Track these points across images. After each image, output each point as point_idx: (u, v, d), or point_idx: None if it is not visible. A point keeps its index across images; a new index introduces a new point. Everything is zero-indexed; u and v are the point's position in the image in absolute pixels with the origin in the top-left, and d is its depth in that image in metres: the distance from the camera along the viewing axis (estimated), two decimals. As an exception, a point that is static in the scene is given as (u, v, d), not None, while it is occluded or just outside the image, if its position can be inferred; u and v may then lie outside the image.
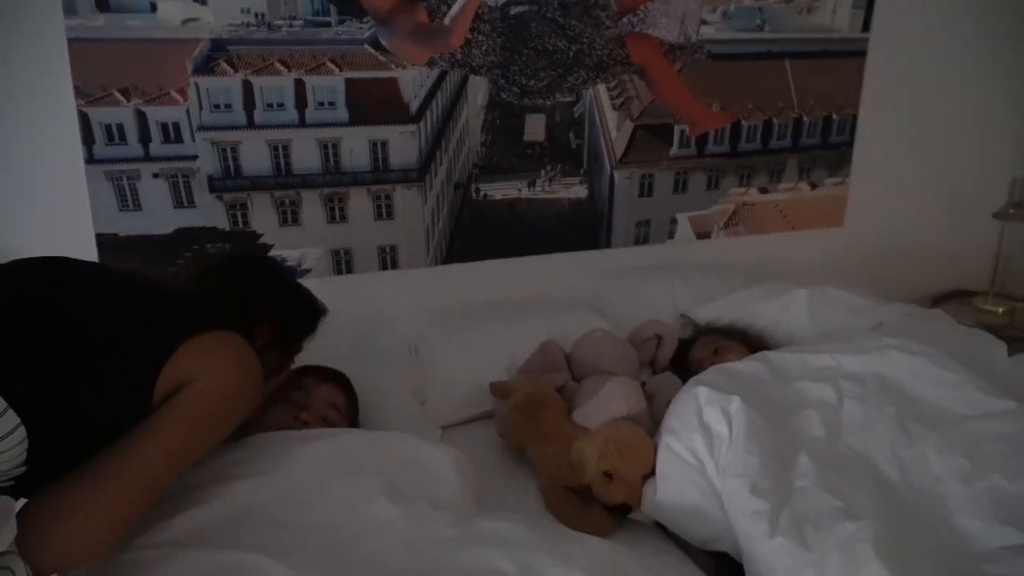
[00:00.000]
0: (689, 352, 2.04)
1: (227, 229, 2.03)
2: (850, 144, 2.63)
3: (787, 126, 2.52)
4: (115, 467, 1.05)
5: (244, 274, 1.47)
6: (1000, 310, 2.69)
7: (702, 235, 2.53)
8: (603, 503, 1.56)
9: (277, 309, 1.45)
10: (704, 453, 1.46)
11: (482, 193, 2.25)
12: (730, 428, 1.45)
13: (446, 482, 1.45)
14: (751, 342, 2.06)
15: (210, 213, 2.00)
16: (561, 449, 1.64)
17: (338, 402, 1.70)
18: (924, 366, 1.61)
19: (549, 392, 1.81)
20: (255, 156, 2.00)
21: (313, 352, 1.82)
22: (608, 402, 1.68)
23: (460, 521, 1.27)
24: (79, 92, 1.84)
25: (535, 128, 2.25)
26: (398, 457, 1.44)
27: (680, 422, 1.53)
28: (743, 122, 2.46)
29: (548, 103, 2.24)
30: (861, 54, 2.54)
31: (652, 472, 1.54)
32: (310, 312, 1.56)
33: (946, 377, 1.58)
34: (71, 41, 1.80)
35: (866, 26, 2.52)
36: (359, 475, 1.34)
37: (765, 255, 2.61)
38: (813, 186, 2.62)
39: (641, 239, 2.45)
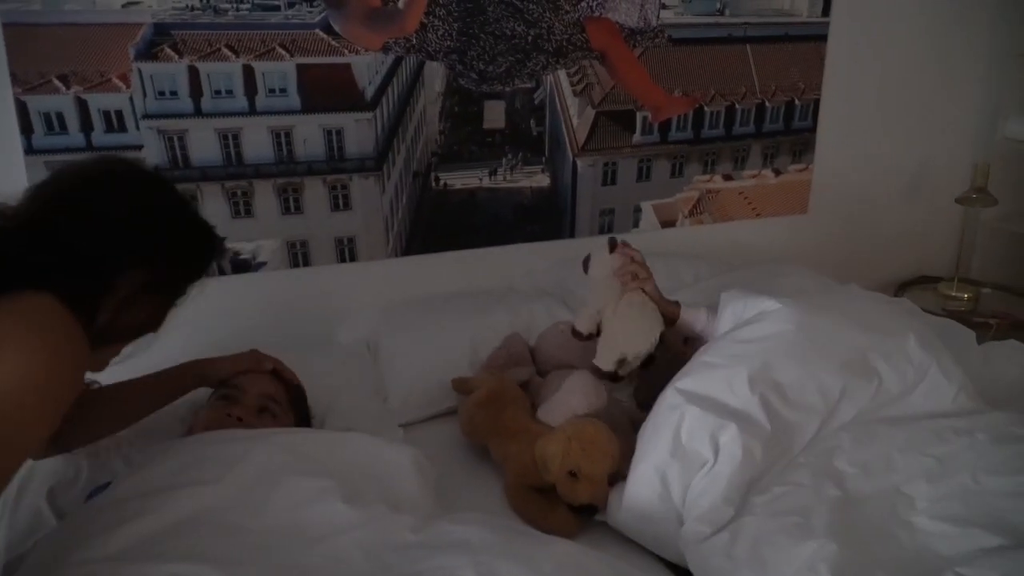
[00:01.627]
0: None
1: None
2: (812, 130, 2.61)
3: (750, 112, 2.50)
4: None
5: (96, 189, 1.09)
6: (965, 296, 2.70)
7: (667, 223, 2.50)
8: (568, 503, 1.51)
9: (147, 241, 1.09)
10: (675, 477, 1.38)
11: (442, 182, 2.19)
12: (715, 457, 1.37)
13: (405, 483, 1.38)
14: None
15: (157, 205, 1.92)
16: (524, 447, 1.58)
17: (276, 393, 1.59)
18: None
19: (512, 388, 1.76)
20: (204, 145, 1.92)
21: (265, 347, 1.75)
22: (568, 398, 1.63)
23: (421, 525, 1.21)
24: (15, 79, 1.75)
25: (495, 115, 2.20)
26: (353, 457, 1.38)
27: (657, 438, 1.43)
28: (705, 108, 2.43)
29: (507, 89, 2.19)
30: (822, 38, 2.53)
31: (617, 471, 1.50)
32: (199, 242, 1.20)
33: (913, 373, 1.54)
34: (5, 25, 1.71)
35: (826, 10, 2.51)
36: (312, 476, 1.26)
37: (730, 243, 2.58)
38: (777, 172, 2.60)
39: (605, 228, 2.41)
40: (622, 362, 1.63)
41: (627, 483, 1.44)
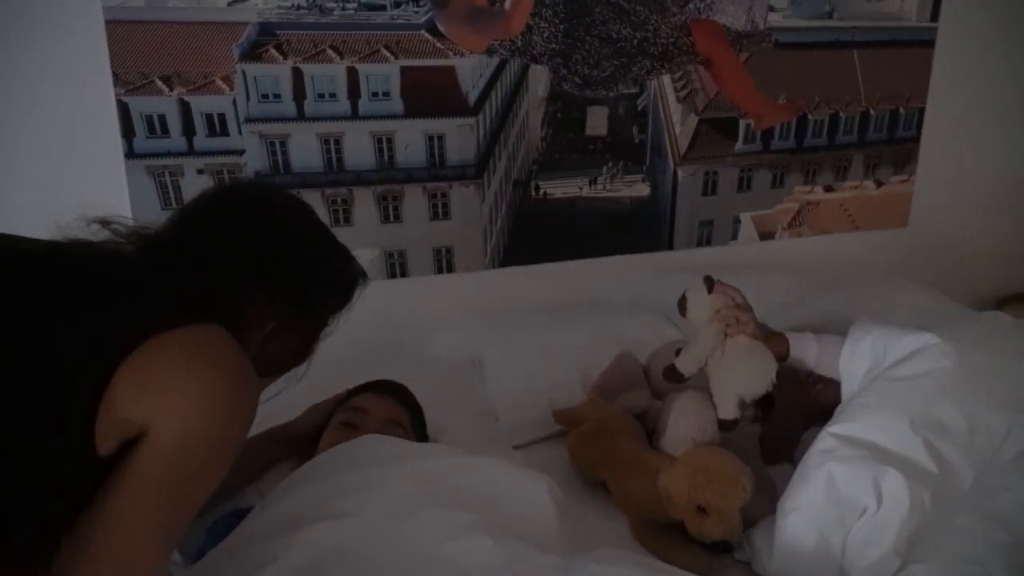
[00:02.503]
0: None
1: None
2: (916, 139, 2.50)
3: (854, 120, 2.39)
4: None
5: (234, 217, 1.00)
6: (1070, 313, 2.56)
7: (765, 236, 2.39)
8: (699, 541, 1.42)
9: (293, 271, 1.01)
10: (833, 525, 1.30)
11: (542, 191, 2.10)
12: (878, 504, 1.28)
13: (541, 515, 1.29)
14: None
15: (257, 212, 1.84)
16: (645, 480, 1.48)
17: (400, 418, 1.53)
18: None
19: (620, 417, 1.66)
20: (305, 151, 1.84)
21: (364, 365, 1.67)
22: (679, 420, 1.54)
23: (565, 564, 1.12)
24: (117, 80, 1.68)
25: (597, 121, 2.11)
26: (490, 485, 1.29)
27: (808, 484, 1.34)
28: (809, 116, 2.32)
29: (611, 95, 2.09)
30: (929, 43, 2.41)
31: (750, 502, 1.40)
32: (340, 273, 1.11)
33: None
34: (109, 23, 1.64)
35: (935, 15, 2.39)
36: (452, 508, 1.18)
37: (828, 257, 2.47)
38: (879, 184, 2.49)
39: (704, 240, 2.31)
40: (742, 406, 1.53)
41: (777, 530, 1.35)
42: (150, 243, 0.94)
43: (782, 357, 1.59)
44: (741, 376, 1.53)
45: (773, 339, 1.59)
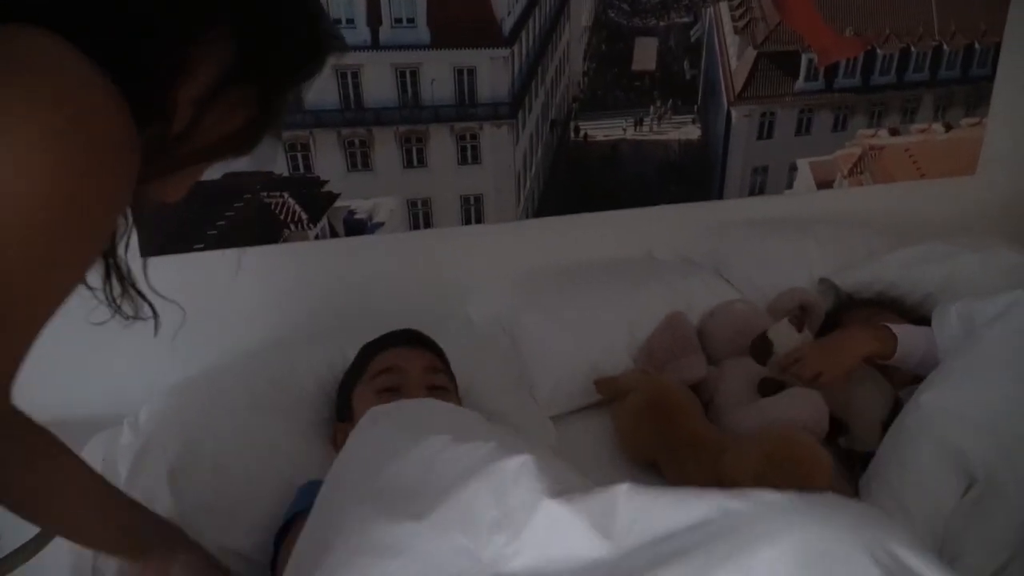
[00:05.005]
0: (836, 325, 1.71)
1: (285, 174, 1.67)
2: (991, 78, 2.26)
3: (925, 56, 2.15)
4: None
5: None
6: None
7: (823, 184, 2.17)
8: None
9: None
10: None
11: (582, 133, 1.88)
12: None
13: None
14: (908, 313, 1.73)
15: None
16: (707, 464, 1.31)
17: (438, 365, 1.38)
18: None
19: (676, 390, 1.48)
20: (319, 85, 1.63)
21: (383, 328, 1.50)
22: (789, 413, 1.35)
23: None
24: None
25: (645, 55, 1.88)
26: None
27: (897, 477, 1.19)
28: (878, 51, 2.08)
29: (661, 24, 1.86)
30: (1011, -30, 2.16)
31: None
32: (310, 16, 0.76)
33: None
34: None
35: (1019, -62, 2.13)
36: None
37: (891, 207, 2.26)
38: (948, 127, 2.26)
39: (756, 188, 2.10)
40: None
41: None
42: None
43: (887, 356, 1.42)
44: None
45: (877, 340, 1.41)
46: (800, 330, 1.49)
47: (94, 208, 0.58)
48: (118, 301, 0.79)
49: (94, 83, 0.57)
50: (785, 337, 1.49)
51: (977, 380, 1.21)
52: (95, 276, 0.73)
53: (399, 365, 1.33)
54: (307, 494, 1.14)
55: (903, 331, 1.42)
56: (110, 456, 1.41)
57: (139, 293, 0.81)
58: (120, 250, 0.77)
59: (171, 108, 0.66)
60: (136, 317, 0.81)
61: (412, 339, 1.42)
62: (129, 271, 0.79)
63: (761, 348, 1.50)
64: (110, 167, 0.58)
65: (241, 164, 0.96)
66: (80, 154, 0.55)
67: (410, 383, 1.29)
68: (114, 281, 0.78)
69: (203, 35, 0.66)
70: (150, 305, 0.83)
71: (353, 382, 1.37)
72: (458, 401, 1.38)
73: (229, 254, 1.63)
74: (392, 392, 1.28)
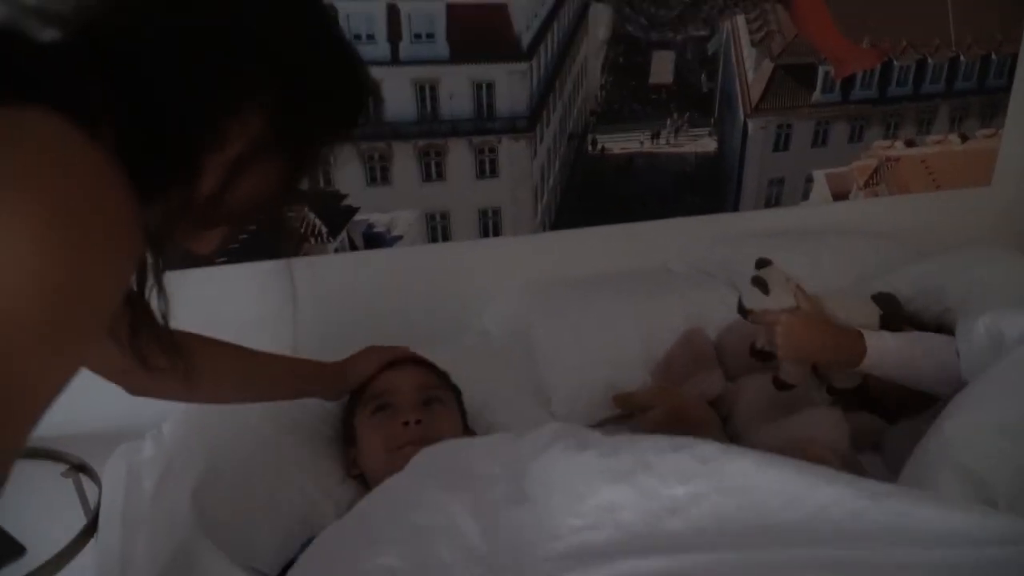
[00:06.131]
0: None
1: (303, 188, 1.67)
2: (1007, 89, 2.25)
3: (942, 67, 2.14)
4: None
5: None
6: None
7: (839, 196, 2.18)
8: None
9: (275, 57, 0.69)
10: None
11: (599, 146, 1.89)
12: None
13: None
14: (925, 327, 1.73)
15: (287, 170, 1.65)
16: None
17: (429, 381, 1.41)
18: None
19: (696, 405, 1.48)
20: (339, 100, 1.64)
21: (400, 340, 1.51)
22: (806, 432, 1.35)
23: None
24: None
25: (662, 68, 1.88)
26: None
27: None
28: (895, 62, 2.08)
29: (678, 38, 1.86)
30: (1029, -19, 2.15)
31: None
32: (346, 76, 0.78)
33: None
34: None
35: (1036, -51, 2.13)
36: None
37: (907, 219, 2.26)
38: (964, 138, 2.26)
39: (773, 200, 2.10)
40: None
41: None
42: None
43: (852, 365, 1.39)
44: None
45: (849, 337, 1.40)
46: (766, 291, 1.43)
47: (85, 294, 0.55)
48: (144, 351, 0.75)
49: (84, 161, 0.55)
50: (776, 283, 1.43)
51: (1004, 402, 1.20)
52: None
53: (391, 387, 1.36)
54: None
55: (878, 341, 1.39)
56: (134, 469, 1.43)
57: (172, 342, 0.77)
58: (148, 297, 0.73)
59: (197, 173, 0.65)
60: (165, 368, 0.79)
61: (402, 361, 1.44)
62: (165, 321, 0.74)
63: (762, 355, 1.46)
64: (101, 251, 0.55)
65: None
66: (67, 243, 0.52)
67: (402, 400, 1.34)
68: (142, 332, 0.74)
69: (233, 112, 0.66)
70: (176, 353, 0.79)
71: (353, 409, 1.40)
72: (460, 412, 1.41)
73: (251, 268, 1.64)
74: (386, 409, 1.33)
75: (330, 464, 1.39)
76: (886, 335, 1.39)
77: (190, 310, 0.87)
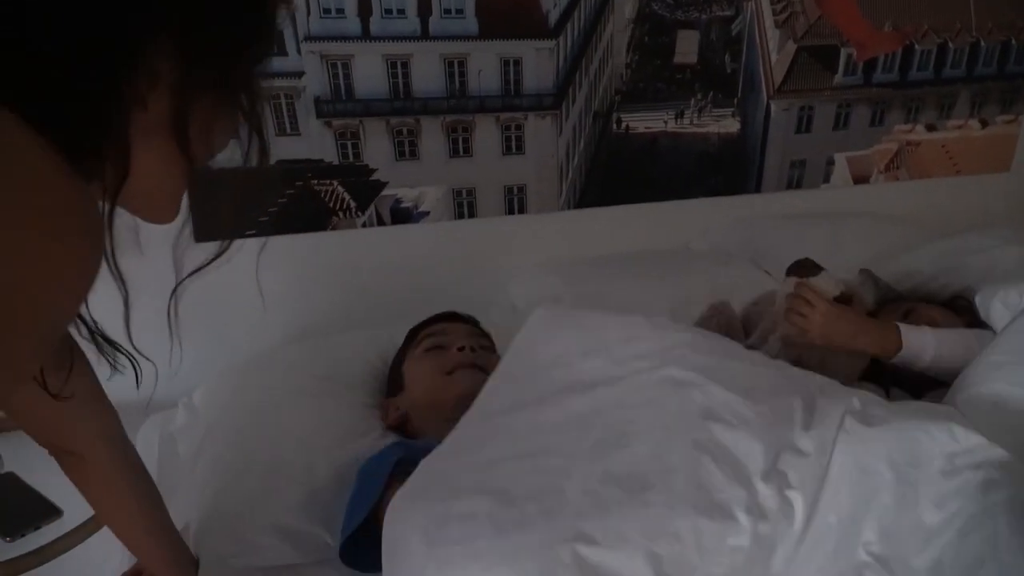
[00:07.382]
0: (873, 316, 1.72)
1: (335, 162, 1.70)
2: (1027, 75, 2.26)
3: (963, 52, 2.16)
4: None
5: None
6: None
7: (859, 179, 2.19)
8: None
9: None
10: None
11: (624, 125, 1.90)
12: None
13: None
14: (947, 306, 1.74)
15: (317, 142, 1.66)
16: None
17: (481, 331, 1.52)
18: None
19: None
20: (370, 74, 1.66)
21: (424, 310, 1.54)
22: None
23: None
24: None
25: (687, 47, 1.89)
26: None
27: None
28: (916, 46, 2.09)
29: (703, 18, 1.88)
30: (1049, -33, 2.16)
31: None
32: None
33: None
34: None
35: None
36: None
37: (926, 203, 2.26)
38: (984, 123, 2.26)
39: (794, 182, 2.11)
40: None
41: None
42: None
43: (890, 353, 1.41)
44: None
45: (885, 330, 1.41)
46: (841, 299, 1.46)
47: (32, 291, 0.50)
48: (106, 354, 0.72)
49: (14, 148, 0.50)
50: (825, 283, 1.46)
51: (1008, 373, 1.21)
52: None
53: (444, 330, 1.45)
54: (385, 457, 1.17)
55: (915, 334, 1.41)
56: (166, 436, 1.44)
57: (116, 346, 0.72)
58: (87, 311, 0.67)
59: (123, 137, 0.58)
60: (115, 370, 0.75)
61: (454, 315, 1.53)
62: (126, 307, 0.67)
63: (807, 266, 1.48)
64: (48, 245, 0.50)
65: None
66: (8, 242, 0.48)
67: (455, 341, 1.40)
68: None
69: (136, 63, 0.57)
70: (129, 358, 0.75)
71: (403, 357, 1.45)
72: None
73: (284, 240, 1.66)
74: (439, 349, 1.39)
75: (359, 426, 1.40)
76: (926, 331, 1.41)
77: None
